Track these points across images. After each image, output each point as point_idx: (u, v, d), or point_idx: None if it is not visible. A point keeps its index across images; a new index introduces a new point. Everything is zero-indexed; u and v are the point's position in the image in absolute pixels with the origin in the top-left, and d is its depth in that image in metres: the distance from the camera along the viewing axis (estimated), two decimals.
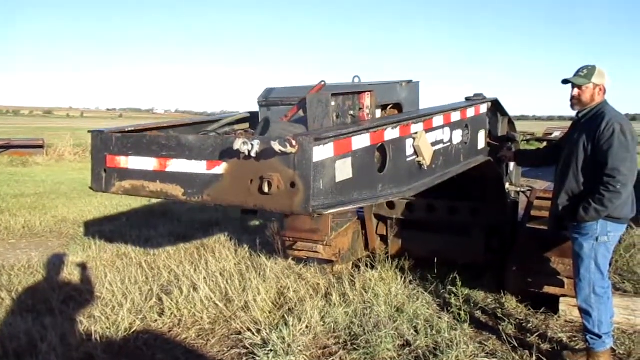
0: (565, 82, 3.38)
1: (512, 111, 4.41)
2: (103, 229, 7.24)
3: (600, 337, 3.25)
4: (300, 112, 2.92)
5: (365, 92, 2.87)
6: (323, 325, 3.90)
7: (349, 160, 2.30)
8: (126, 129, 2.87)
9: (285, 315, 4.02)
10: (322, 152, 2.12)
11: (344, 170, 2.26)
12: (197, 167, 2.33)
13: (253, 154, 2.08)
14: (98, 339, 3.67)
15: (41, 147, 19.50)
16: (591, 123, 3.23)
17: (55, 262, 5.46)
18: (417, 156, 2.85)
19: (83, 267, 5.28)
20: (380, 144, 2.54)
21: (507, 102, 4.16)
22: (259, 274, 4.82)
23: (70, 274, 5.11)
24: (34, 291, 4.65)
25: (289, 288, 4.50)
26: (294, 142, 2.04)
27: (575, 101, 3.36)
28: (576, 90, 3.33)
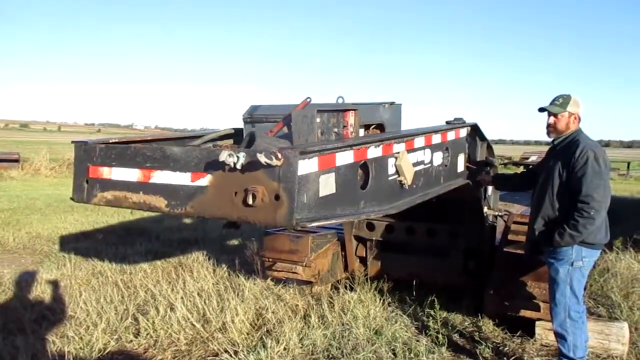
0: (541, 110, 3.48)
1: (489, 135, 4.51)
2: (78, 246, 7.12)
3: None
4: (285, 129, 2.94)
5: (349, 110, 2.92)
6: (301, 347, 3.87)
7: (332, 175, 2.33)
8: (110, 140, 2.86)
9: (263, 337, 3.99)
10: (306, 166, 2.15)
11: (327, 185, 2.29)
12: (182, 178, 2.33)
13: (238, 166, 2.09)
14: (71, 359, 3.58)
15: (17, 161, 19.18)
16: (566, 150, 3.33)
17: (28, 280, 5.33)
18: (399, 175, 2.89)
19: (57, 285, 5.17)
20: (363, 161, 2.57)
21: (484, 126, 4.25)
22: (238, 294, 4.78)
23: (43, 292, 4.99)
24: (5, 309, 4.55)
25: (267, 309, 4.46)
26: (279, 155, 2.06)
27: (551, 129, 3.46)
28: (552, 118, 3.43)
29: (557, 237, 3.23)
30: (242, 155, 2.09)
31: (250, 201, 2.11)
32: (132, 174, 2.50)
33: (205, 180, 2.26)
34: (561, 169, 3.30)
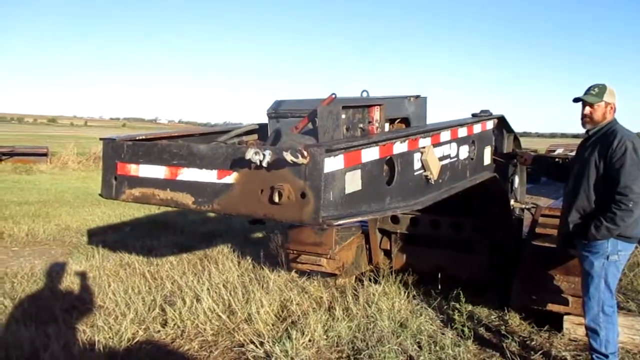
0: (576, 100, 3.40)
1: (514, 127, 4.44)
2: (106, 238, 7.26)
3: (606, 356, 3.23)
4: (310, 125, 2.94)
5: (374, 105, 2.90)
6: (326, 339, 3.89)
7: (358, 172, 2.32)
8: (137, 137, 2.89)
9: (289, 328, 4.01)
10: (332, 164, 2.14)
11: (353, 182, 2.28)
12: (208, 176, 2.34)
13: (264, 164, 2.09)
14: (101, 348, 3.66)
15: (45, 155, 19.61)
16: (602, 141, 3.24)
17: (58, 271, 5.46)
18: (425, 170, 2.87)
19: (86, 276, 5.28)
20: (388, 157, 2.56)
21: (509, 118, 4.19)
22: (262, 286, 4.82)
23: (73, 282, 5.11)
24: (37, 299, 4.66)
25: (292, 301, 4.49)
26: (305, 153, 2.05)
27: (587, 119, 3.37)
28: (588, 109, 3.35)
29: (593, 230, 3.15)
30: (268, 153, 2.09)
31: (276, 199, 2.11)
32: (159, 171, 2.52)
33: (231, 177, 2.27)
34: (597, 160, 3.21)
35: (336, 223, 2.17)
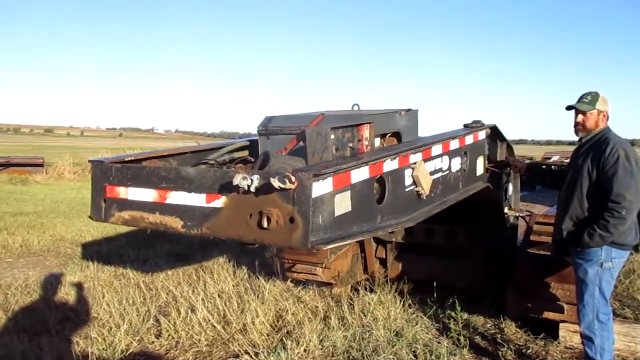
0: (569, 108, 3.41)
1: (510, 135, 4.45)
2: (101, 248, 7.22)
3: None
4: (300, 143, 2.92)
5: (364, 124, 2.88)
6: (321, 349, 3.87)
7: (347, 193, 2.29)
8: (126, 159, 2.87)
9: (284, 338, 3.99)
10: (321, 188, 2.12)
11: (342, 204, 2.26)
12: (197, 200, 2.33)
13: (252, 189, 2.08)
14: None
15: (41, 165, 19.54)
16: (595, 149, 3.25)
17: (53, 282, 5.42)
18: (416, 186, 2.84)
19: (80, 287, 5.25)
20: (379, 175, 2.53)
21: (505, 126, 4.20)
22: (258, 296, 4.80)
23: (67, 293, 5.07)
24: (31, 311, 4.62)
25: (287, 311, 4.47)
26: (293, 178, 2.03)
27: (579, 127, 3.38)
28: (580, 117, 3.36)
29: (586, 238, 3.15)
30: (255, 178, 2.08)
31: (265, 224, 2.10)
32: (148, 194, 2.51)
33: (220, 201, 2.26)
34: (590, 167, 3.22)
35: (325, 247, 2.16)
